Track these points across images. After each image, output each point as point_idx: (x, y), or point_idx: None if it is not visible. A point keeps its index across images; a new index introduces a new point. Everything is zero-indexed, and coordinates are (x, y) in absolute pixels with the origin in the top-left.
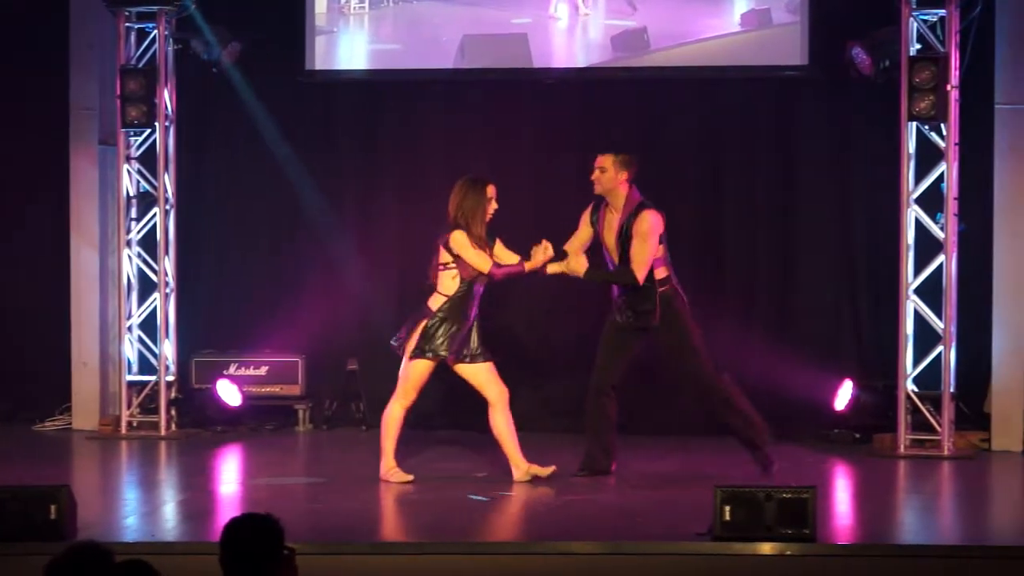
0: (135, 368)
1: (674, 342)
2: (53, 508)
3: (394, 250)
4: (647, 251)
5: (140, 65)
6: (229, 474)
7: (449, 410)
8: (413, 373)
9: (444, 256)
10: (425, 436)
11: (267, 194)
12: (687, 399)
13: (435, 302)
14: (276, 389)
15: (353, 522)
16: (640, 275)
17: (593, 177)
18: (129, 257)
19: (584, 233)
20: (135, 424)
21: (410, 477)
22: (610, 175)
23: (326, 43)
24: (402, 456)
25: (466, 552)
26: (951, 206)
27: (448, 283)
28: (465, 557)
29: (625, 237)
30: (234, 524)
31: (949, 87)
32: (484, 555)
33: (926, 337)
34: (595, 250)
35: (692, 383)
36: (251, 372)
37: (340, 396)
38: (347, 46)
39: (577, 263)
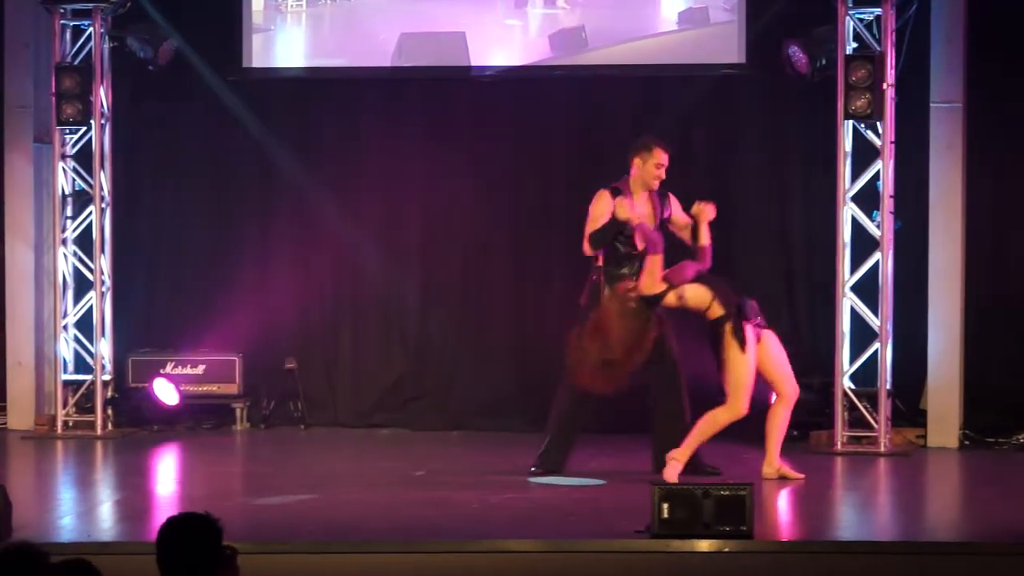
0: (71, 367)
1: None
2: None
3: (332, 248)
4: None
5: (75, 63)
6: (166, 473)
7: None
8: None
9: None
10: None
11: (204, 192)
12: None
13: None
14: (213, 388)
15: (293, 521)
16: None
17: (661, 174)
18: (65, 256)
19: None
20: (71, 423)
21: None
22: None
23: (263, 41)
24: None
25: (405, 551)
26: (887, 204)
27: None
28: (404, 556)
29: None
30: (171, 524)
31: (885, 86)
32: (423, 553)
33: (863, 334)
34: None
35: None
36: (188, 371)
37: (278, 395)
38: (284, 44)
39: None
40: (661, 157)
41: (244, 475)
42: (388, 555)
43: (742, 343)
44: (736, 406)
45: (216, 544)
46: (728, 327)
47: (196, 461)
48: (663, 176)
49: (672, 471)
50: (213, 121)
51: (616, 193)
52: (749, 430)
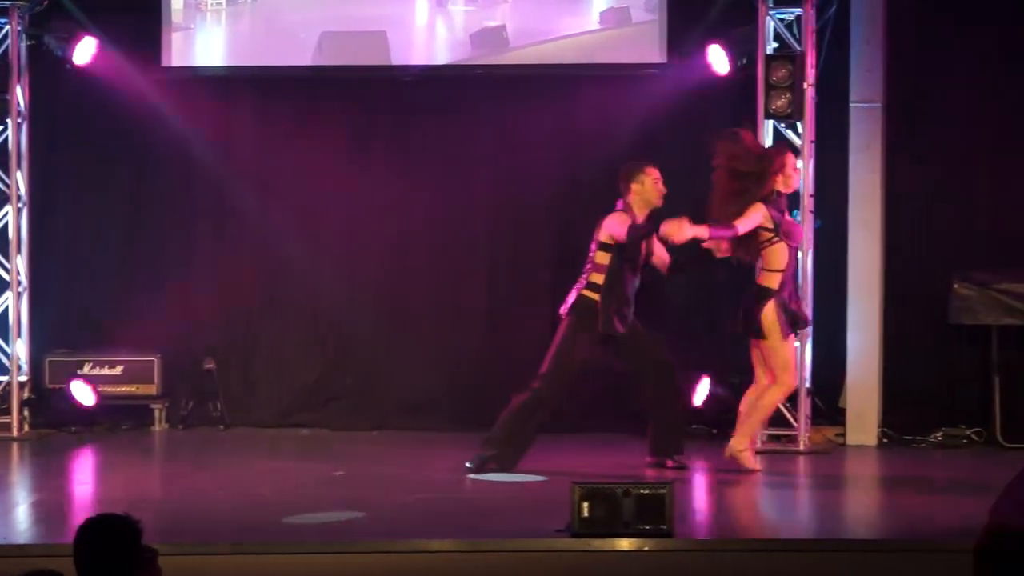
0: None
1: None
2: None
3: (251, 247)
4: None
5: None
6: (84, 475)
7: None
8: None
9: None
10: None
11: (122, 192)
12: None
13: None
14: (132, 388)
15: (213, 521)
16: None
17: (662, 188)
18: None
19: None
20: None
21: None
22: None
23: (183, 39)
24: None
25: (325, 551)
26: (807, 203)
27: (777, 257)
28: (324, 556)
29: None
30: (89, 525)
31: (805, 85)
32: (342, 554)
33: None
34: None
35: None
36: (106, 372)
37: (197, 395)
38: (204, 42)
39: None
40: (654, 173)
41: (163, 476)
42: (308, 555)
43: (782, 325)
44: (787, 382)
45: (135, 545)
46: (772, 304)
47: (114, 462)
48: (664, 189)
49: (748, 460)
50: (132, 120)
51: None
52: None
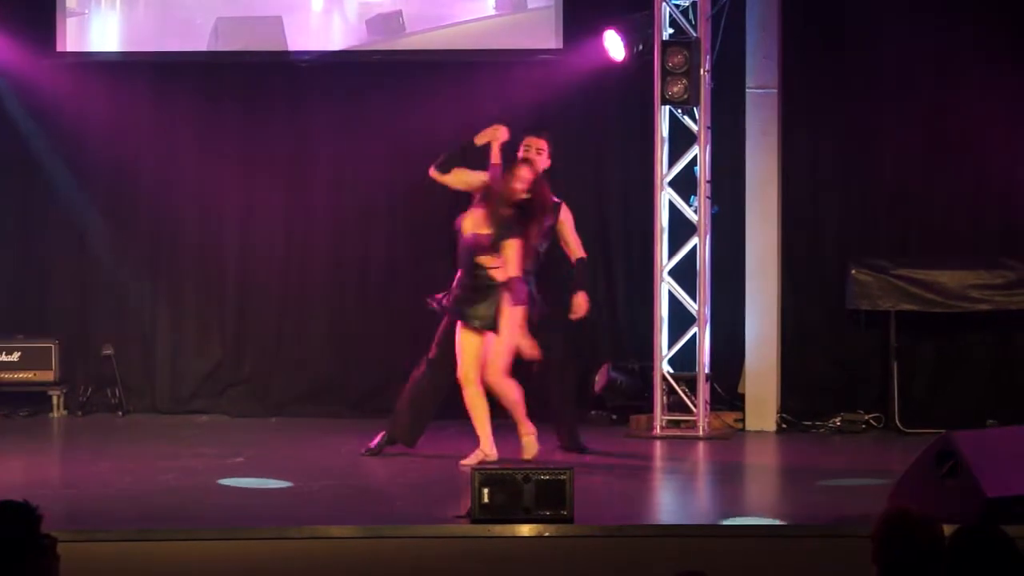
0: None
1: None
2: None
3: (147, 232)
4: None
5: None
6: None
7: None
8: None
9: None
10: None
11: (16, 177)
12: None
13: None
14: (29, 375)
15: (112, 508)
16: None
17: (532, 157)
18: None
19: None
20: None
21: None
22: (544, 156)
23: (77, 25)
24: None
25: (223, 537)
26: (704, 189)
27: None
28: (223, 543)
29: (551, 227)
30: None
31: (702, 71)
32: (241, 540)
33: (681, 319)
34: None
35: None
36: (3, 358)
37: (95, 382)
38: (99, 28)
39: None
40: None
41: (62, 463)
42: (206, 542)
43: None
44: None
45: (35, 532)
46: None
47: (13, 449)
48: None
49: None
50: (27, 105)
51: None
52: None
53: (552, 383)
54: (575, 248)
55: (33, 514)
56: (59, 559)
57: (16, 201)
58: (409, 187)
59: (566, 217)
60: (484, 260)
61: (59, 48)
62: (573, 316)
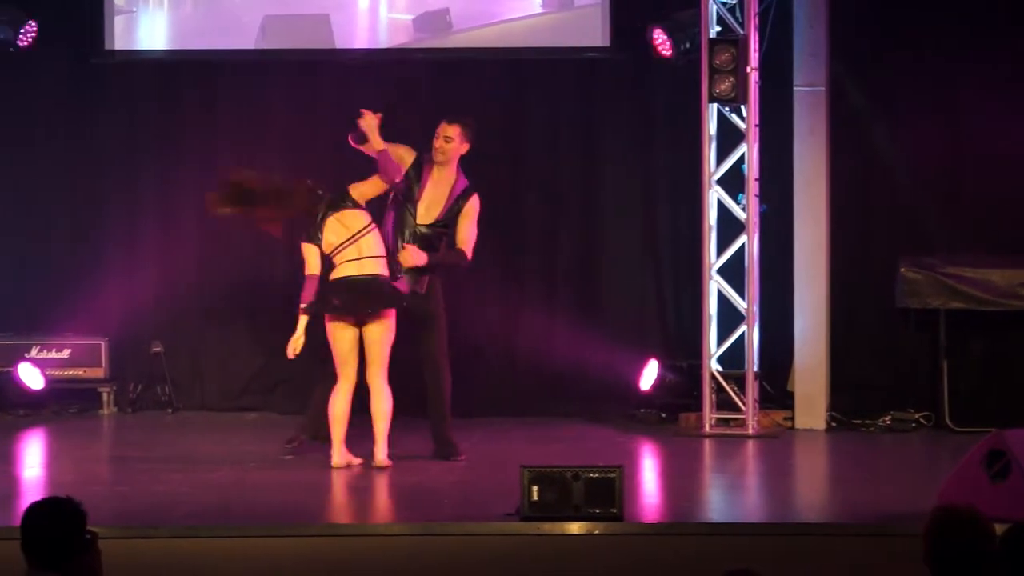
0: None
1: (429, 315)
2: None
3: (195, 230)
4: (475, 234)
5: None
6: (32, 458)
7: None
8: None
9: None
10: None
11: (68, 175)
12: (486, 379)
13: None
14: (79, 372)
15: (161, 505)
16: (470, 257)
17: (438, 145)
18: None
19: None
20: None
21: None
22: (455, 145)
23: (125, 23)
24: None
25: (274, 535)
26: (752, 187)
27: None
28: (270, 540)
29: (452, 215)
30: (34, 508)
31: (749, 69)
32: (292, 537)
33: (730, 317)
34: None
35: (427, 357)
36: (53, 355)
37: (145, 379)
38: (147, 26)
39: (416, 255)
40: (439, 129)
41: (111, 459)
42: (256, 539)
43: None
44: None
45: (79, 529)
46: None
47: (62, 446)
48: (437, 146)
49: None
50: (77, 103)
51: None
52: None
53: (428, 382)
54: (461, 239)
55: (78, 510)
56: (101, 554)
57: (66, 200)
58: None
59: (470, 207)
60: None
61: (107, 46)
62: (401, 261)
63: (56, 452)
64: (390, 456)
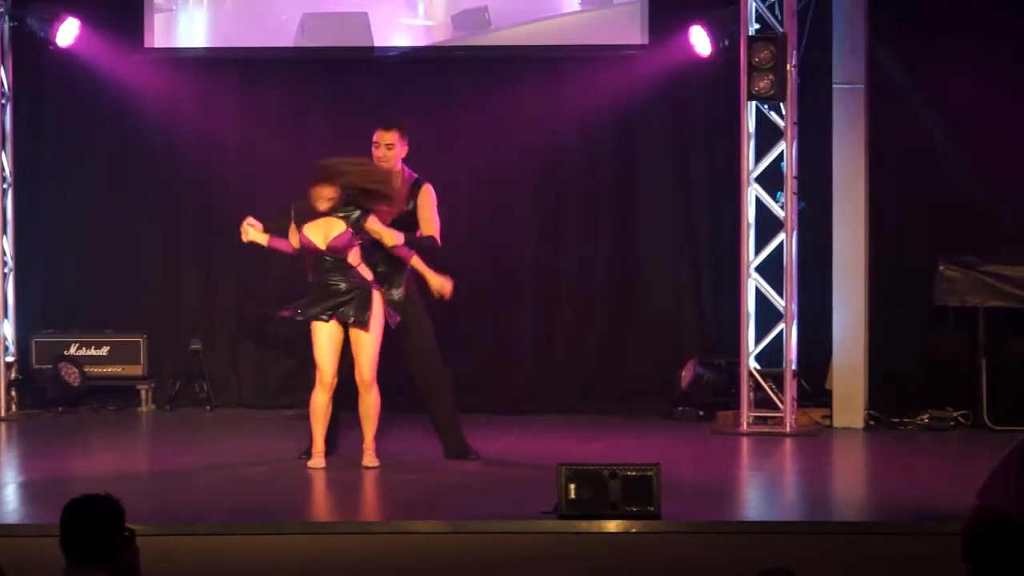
0: None
1: (413, 315)
2: None
3: (235, 228)
4: (438, 220)
5: None
6: (71, 455)
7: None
8: None
9: None
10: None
11: (107, 173)
12: (524, 377)
13: None
14: (118, 369)
15: (199, 502)
16: (440, 242)
17: (380, 154)
18: None
19: None
20: None
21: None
22: (397, 150)
23: (165, 20)
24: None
25: (308, 532)
26: (791, 185)
27: None
28: (307, 538)
29: (411, 210)
30: (73, 505)
31: (788, 67)
32: (327, 535)
33: (768, 315)
34: None
35: (420, 357)
36: (92, 352)
37: (183, 376)
38: (186, 23)
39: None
40: (375, 135)
41: (149, 457)
42: (293, 536)
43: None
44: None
45: (118, 526)
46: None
47: (101, 443)
48: (377, 154)
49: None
50: (116, 101)
51: None
52: None
53: (426, 384)
54: (426, 227)
55: (116, 508)
56: (139, 551)
57: (105, 197)
58: (492, 184)
59: (424, 197)
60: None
61: (147, 44)
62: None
63: (95, 449)
64: (376, 457)
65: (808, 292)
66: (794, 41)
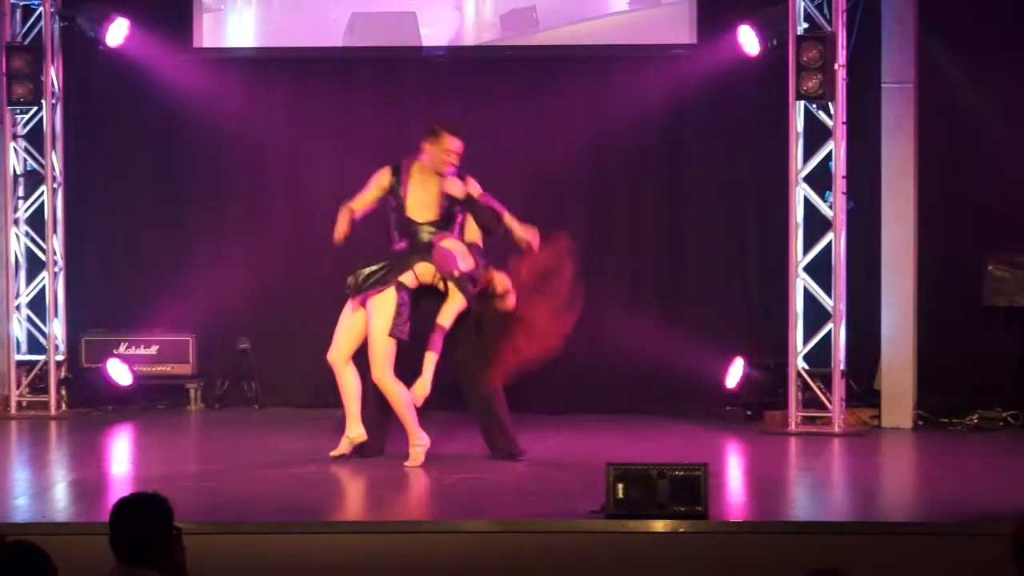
0: (24, 348)
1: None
2: None
3: (283, 228)
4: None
5: (26, 42)
6: (120, 454)
7: None
8: None
9: None
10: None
11: (156, 172)
12: (572, 376)
13: None
14: (167, 368)
15: (248, 501)
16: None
17: (451, 160)
18: (17, 236)
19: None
20: (24, 404)
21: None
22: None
23: (214, 20)
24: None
25: (357, 532)
26: (839, 184)
27: None
28: (356, 537)
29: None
30: (122, 504)
31: (836, 66)
32: (375, 535)
33: (816, 315)
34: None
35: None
36: (141, 351)
37: (232, 375)
38: (235, 23)
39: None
40: (449, 142)
41: (198, 455)
42: (342, 535)
43: None
44: None
45: (166, 524)
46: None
47: (150, 442)
48: (454, 163)
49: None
50: (165, 101)
51: (395, 172)
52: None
53: (468, 383)
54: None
55: (164, 506)
56: (186, 550)
57: (154, 196)
58: (541, 184)
59: (471, 188)
60: None
61: (196, 44)
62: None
63: (143, 448)
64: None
65: (857, 292)
66: (843, 40)
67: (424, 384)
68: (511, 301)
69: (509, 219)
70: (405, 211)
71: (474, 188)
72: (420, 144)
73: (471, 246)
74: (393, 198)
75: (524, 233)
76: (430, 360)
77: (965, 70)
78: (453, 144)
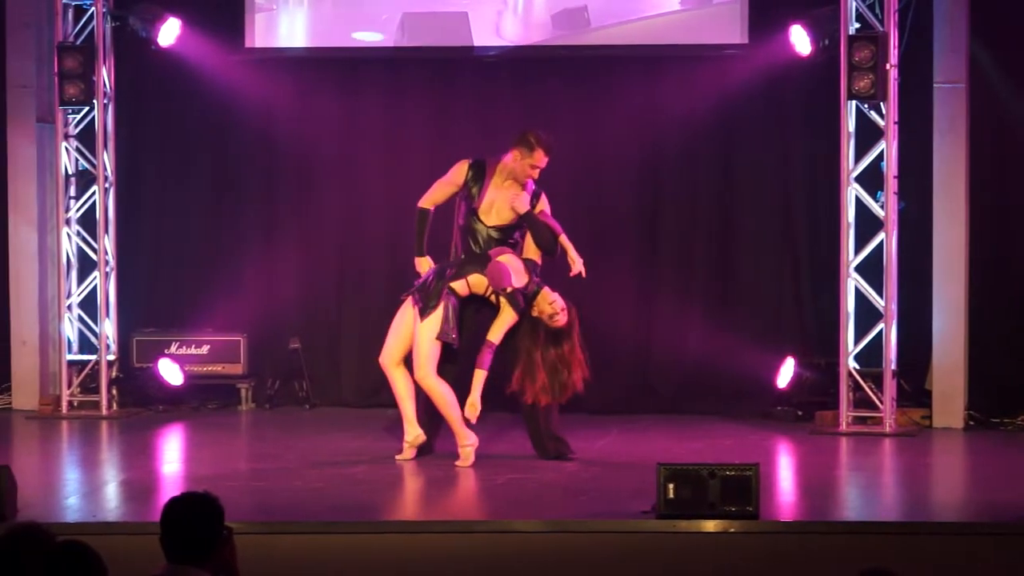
0: (75, 347)
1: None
2: None
3: (334, 228)
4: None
5: (78, 42)
6: (171, 454)
7: None
8: None
9: None
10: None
11: (208, 172)
12: (623, 376)
13: None
14: (218, 368)
15: (299, 501)
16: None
17: (536, 175)
18: (68, 235)
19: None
20: (76, 404)
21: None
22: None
23: (265, 20)
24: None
25: (408, 531)
26: (891, 184)
27: None
28: (407, 536)
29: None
30: (173, 503)
31: (888, 66)
32: (426, 534)
33: (867, 315)
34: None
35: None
36: (193, 351)
37: (283, 375)
38: (286, 23)
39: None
40: (540, 159)
41: (249, 455)
42: (393, 535)
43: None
44: None
45: (217, 524)
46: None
47: (201, 441)
48: (535, 177)
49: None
50: (216, 101)
51: (473, 167)
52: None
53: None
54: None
55: (215, 506)
56: (236, 549)
57: (206, 197)
58: (592, 184)
59: (543, 205)
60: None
61: (248, 44)
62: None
63: (195, 447)
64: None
65: (908, 292)
66: (895, 40)
67: (474, 404)
68: (562, 319)
69: (564, 240)
70: (476, 209)
71: (543, 205)
72: (511, 149)
73: (528, 262)
74: (466, 192)
75: (574, 255)
76: (479, 378)
77: (1016, 70)
78: (542, 161)
